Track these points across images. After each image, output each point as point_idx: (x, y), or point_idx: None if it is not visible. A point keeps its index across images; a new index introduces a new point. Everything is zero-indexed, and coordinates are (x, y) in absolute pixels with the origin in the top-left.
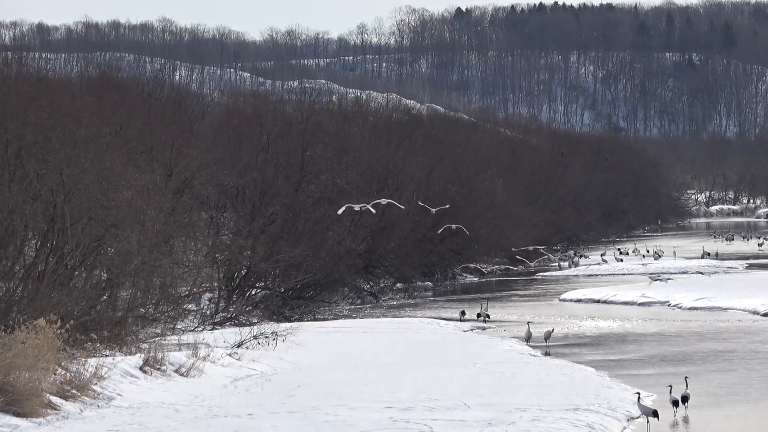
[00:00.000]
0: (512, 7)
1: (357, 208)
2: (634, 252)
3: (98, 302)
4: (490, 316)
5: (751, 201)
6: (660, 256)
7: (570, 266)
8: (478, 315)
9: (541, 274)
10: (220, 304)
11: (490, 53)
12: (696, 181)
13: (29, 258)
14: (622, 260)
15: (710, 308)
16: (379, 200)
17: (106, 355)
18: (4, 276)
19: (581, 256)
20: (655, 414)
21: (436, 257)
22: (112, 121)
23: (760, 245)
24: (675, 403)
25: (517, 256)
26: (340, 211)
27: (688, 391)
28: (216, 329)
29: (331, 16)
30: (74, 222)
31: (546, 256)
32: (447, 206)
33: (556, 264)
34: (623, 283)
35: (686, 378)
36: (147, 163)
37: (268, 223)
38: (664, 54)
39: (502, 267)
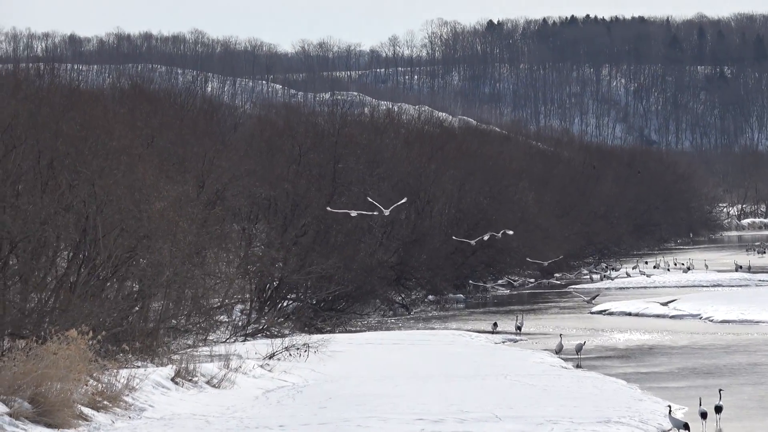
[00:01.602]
0: (544, 19)
1: (353, 214)
2: (657, 266)
3: (130, 313)
4: (521, 329)
5: None
6: (690, 269)
7: (602, 279)
8: (518, 328)
9: (573, 286)
10: (252, 316)
11: (521, 66)
12: (728, 195)
13: (61, 269)
14: (648, 274)
15: (742, 321)
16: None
17: (138, 366)
18: (36, 287)
19: (612, 269)
20: (686, 427)
21: (468, 269)
22: (144, 133)
23: None
24: (703, 415)
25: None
26: (353, 213)
27: (721, 403)
28: (248, 341)
29: (363, 29)
30: (106, 233)
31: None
32: (485, 237)
33: (588, 276)
34: (655, 296)
35: (720, 390)
36: (179, 174)
37: (300, 235)
38: (695, 67)
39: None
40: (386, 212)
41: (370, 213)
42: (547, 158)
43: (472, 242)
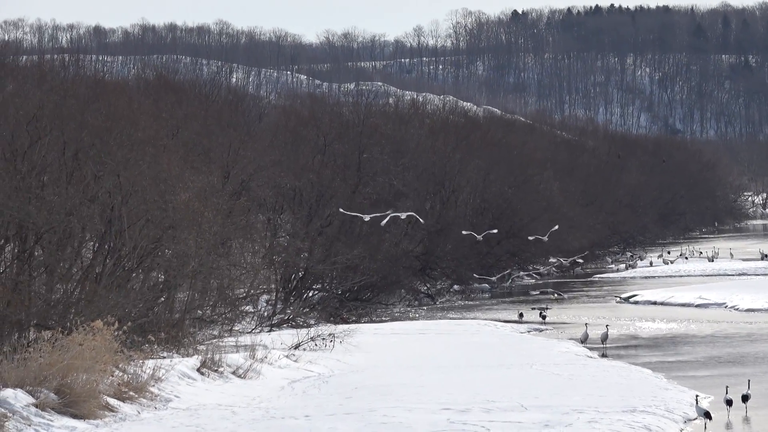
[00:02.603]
0: (568, 9)
1: (366, 218)
2: (682, 255)
3: (156, 304)
4: (546, 316)
5: None
6: (715, 258)
7: (627, 268)
8: (542, 315)
9: (599, 275)
10: (278, 306)
11: (546, 55)
12: (753, 183)
13: (87, 260)
14: (670, 262)
15: (767, 310)
16: (388, 213)
17: (164, 357)
18: (61, 278)
19: (639, 258)
20: (707, 416)
21: (493, 259)
22: (169, 124)
23: None
24: (729, 403)
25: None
26: (366, 218)
27: (749, 392)
28: (273, 331)
29: (388, 19)
30: (131, 224)
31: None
32: (495, 231)
33: (613, 266)
34: (680, 285)
35: (749, 380)
36: (204, 165)
37: (325, 225)
38: (720, 56)
39: (555, 264)
40: (403, 216)
41: (385, 214)
42: (571, 148)
43: (479, 237)
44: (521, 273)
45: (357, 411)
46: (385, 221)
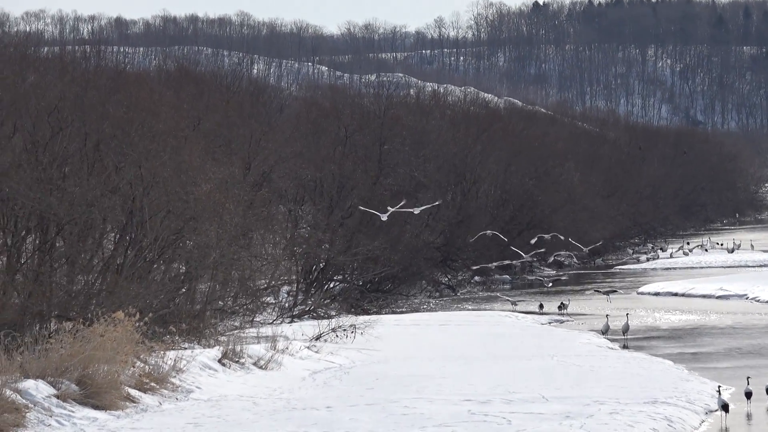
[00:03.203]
0: (589, 0)
1: (384, 218)
2: (702, 246)
3: (177, 295)
4: (567, 308)
5: None
6: (734, 250)
7: (648, 260)
8: (561, 307)
9: (620, 267)
10: (299, 297)
11: (567, 47)
12: None
13: (108, 251)
14: (689, 252)
15: None
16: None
17: (185, 348)
18: (83, 269)
19: (660, 249)
20: (725, 408)
21: (514, 250)
22: (190, 115)
23: None
24: (748, 395)
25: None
26: (384, 217)
27: None
28: (294, 322)
29: (409, 10)
30: (153, 215)
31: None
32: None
33: (635, 257)
34: (701, 276)
35: None
36: (225, 156)
37: (346, 216)
38: (741, 47)
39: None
40: (416, 211)
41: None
42: (592, 139)
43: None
44: (541, 265)
45: (378, 402)
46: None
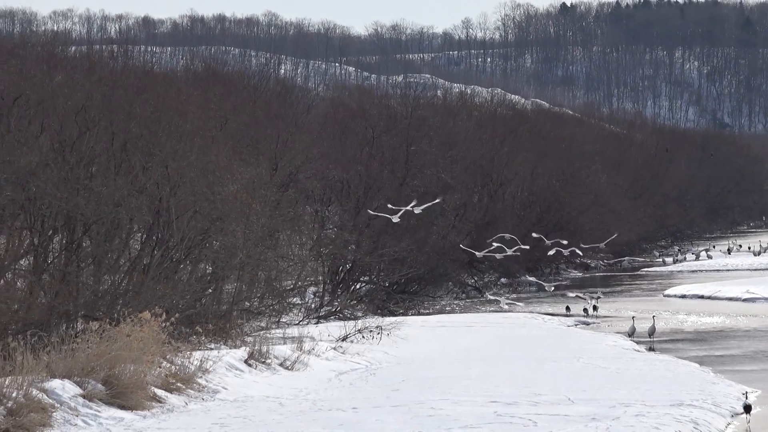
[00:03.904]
0: (617, 2)
1: (395, 219)
2: (730, 249)
3: (203, 295)
4: (588, 311)
5: None
6: (761, 253)
7: (675, 262)
8: (586, 310)
9: (646, 269)
10: (325, 298)
11: (594, 48)
12: None
13: (135, 251)
14: (710, 257)
15: None
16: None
17: (211, 348)
18: (109, 269)
19: (688, 252)
20: (747, 409)
21: (540, 252)
22: (217, 115)
23: None
24: None
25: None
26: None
27: None
28: (320, 323)
29: (436, 11)
30: (179, 215)
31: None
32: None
33: (661, 260)
34: (728, 279)
35: None
36: (252, 156)
37: (373, 217)
38: None
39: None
40: (418, 211)
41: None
42: (619, 141)
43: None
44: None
45: (404, 403)
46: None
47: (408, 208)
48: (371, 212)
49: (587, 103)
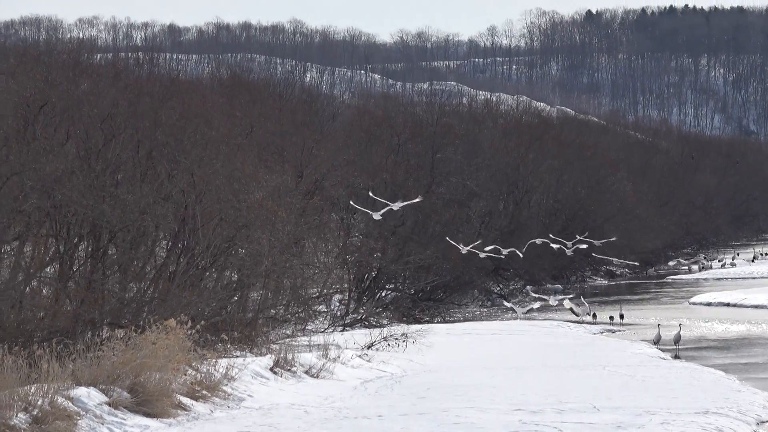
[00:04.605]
0: (642, 9)
1: (377, 216)
2: (755, 257)
3: (229, 303)
4: (614, 318)
5: None
6: None
7: (700, 270)
8: (612, 318)
9: (671, 277)
10: (351, 306)
11: (620, 56)
12: None
13: (160, 259)
14: (734, 265)
15: None
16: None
17: (237, 356)
18: (135, 276)
19: (714, 259)
20: None
21: (566, 260)
22: (243, 123)
23: None
24: None
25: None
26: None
27: None
28: (346, 330)
29: (461, 18)
30: (205, 223)
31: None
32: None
33: (686, 267)
34: (754, 287)
35: None
36: (278, 164)
37: (399, 225)
38: None
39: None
40: (396, 207)
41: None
42: (645, 149)
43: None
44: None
45: (430, 411)
46: (383, 210)
47: (391, 205)
48: (352, 204)
49: (613, 111)
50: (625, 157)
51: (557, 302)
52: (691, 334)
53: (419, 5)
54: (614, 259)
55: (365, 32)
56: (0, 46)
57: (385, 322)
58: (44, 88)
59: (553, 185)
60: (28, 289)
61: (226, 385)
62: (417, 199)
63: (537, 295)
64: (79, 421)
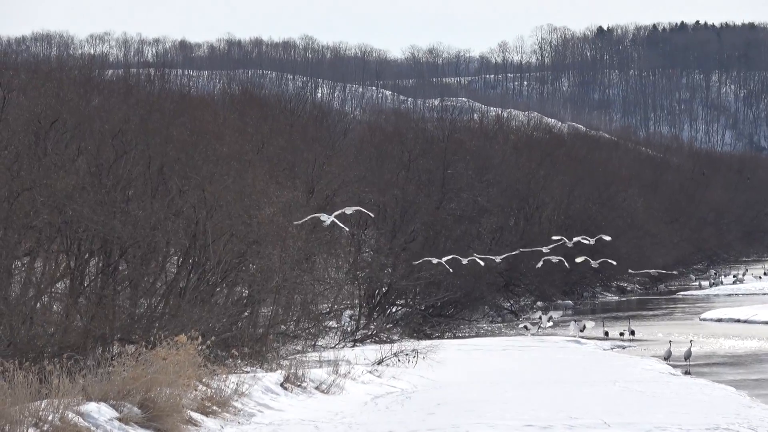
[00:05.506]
0: (654, 25)
1: (326, 223)
2: (766, 274)
3: (239, 319)
4: (624, 334)
5: None
6: None
7: (711, 285)
8: (622, 333)
9: (682, 293)
10: (361, 321)
11: (631, 72)
12: None
13: (171, 274)
14: (742, 281)
15: None
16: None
17: (247, 372)
18: (146, 292)
19: (725, 275)
20: None
21: (577, 276)
22: (254, 139)
23: None
24: None
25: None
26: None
27: None
28: (356, 346)
29: (473, 35)
30: (216, 239)
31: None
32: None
33: (697, 283)
34: (765, 303)
35: None
36: (289, 180)
37: (409, 241)
38: None
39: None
40: (349, 211)
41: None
42: (656, 165)
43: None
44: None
45: (440, 427)
46: (335, 214)
47: (344, 210)
48: (329, 220)
49: (624, 127)
50: (636, 173)
51: (550, 325)
52: (702, 350)
53: (430, 21)
54: (651, 270)
55: (376, 48)
56: (11, 62)
57: (395, 337)
58: (55, 104)
59: (564, 201)
60: (38, 304)
61: (237, 400)
62: (367, 210)
63: (538, 317)
64: None
